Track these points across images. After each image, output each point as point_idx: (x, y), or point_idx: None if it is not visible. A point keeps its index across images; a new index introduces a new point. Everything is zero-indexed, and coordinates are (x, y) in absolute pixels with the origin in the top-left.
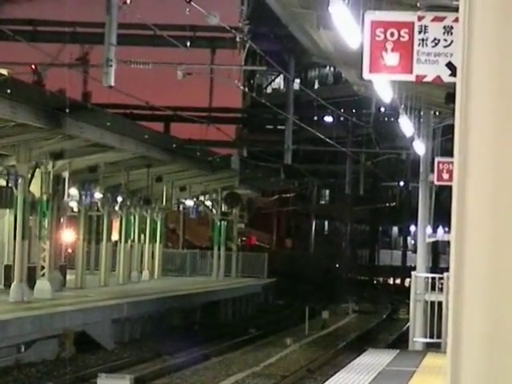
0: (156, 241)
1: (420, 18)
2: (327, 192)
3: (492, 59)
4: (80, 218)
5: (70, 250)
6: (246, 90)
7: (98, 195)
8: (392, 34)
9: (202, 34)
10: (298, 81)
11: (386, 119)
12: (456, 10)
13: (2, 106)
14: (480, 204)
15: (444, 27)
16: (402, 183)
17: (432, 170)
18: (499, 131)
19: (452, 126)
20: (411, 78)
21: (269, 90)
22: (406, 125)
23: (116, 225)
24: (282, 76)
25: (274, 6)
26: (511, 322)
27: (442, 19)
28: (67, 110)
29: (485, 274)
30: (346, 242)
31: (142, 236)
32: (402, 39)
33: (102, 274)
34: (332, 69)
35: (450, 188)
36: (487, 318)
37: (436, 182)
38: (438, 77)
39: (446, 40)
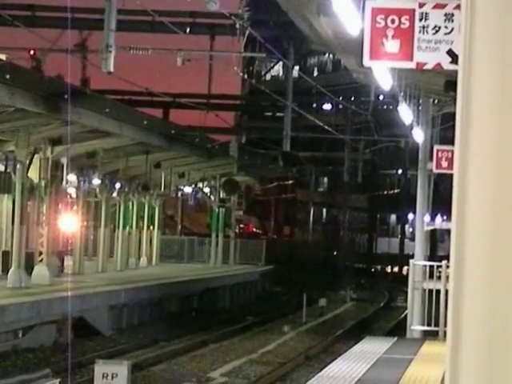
0: (154, 227)
1: (421, 5)
2: (325, 179)
3: (494, 46)
4: (78, 204)
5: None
6: (246, 76)
7: (96, 181)
8: (393, 21)
9: (202, 21)
10: (297, 68)
11: (385, 107)
12: None
13: (1, 92)
14: (481, 192)
15: (445, 14)
16: (400, 171)
17: (431, 158)
18: (501, 119)
19: (451, 114)
20: (412, 65)
21: (268, 77)
22: (405, 113)
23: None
24: (281, 63)
25: None
26: (511, 309)
27: (443, 6)
28: (66, 96)
29: (485, 262)
30: (343, 230)
31: (140, 222)
32: (402, 26)
33: (100, 260)
34: (331, 56)
35: (448, 176)
36: (487, 305)
37: (435, 170)
38: (439, 64)
39: (446, 27)
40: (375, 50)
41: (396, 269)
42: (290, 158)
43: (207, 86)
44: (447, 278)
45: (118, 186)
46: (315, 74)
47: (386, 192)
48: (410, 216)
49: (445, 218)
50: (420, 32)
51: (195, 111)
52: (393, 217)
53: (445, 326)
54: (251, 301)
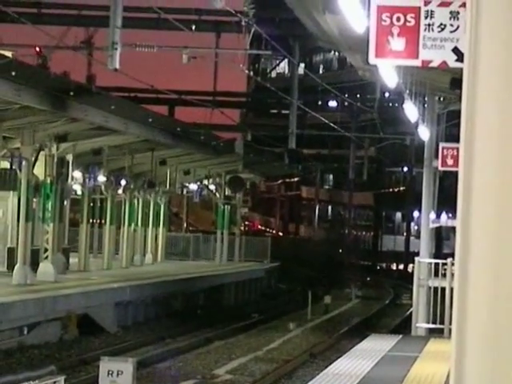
0: (159, 224)
1: (426, 3)
2: (331, 177)
3: (499, 44)
4: (83, 201)
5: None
6: (251, 74)
7: (101, 178)
8: (398, 19)
9: (207, 18)
10: (302, 65)
11: (391, 104)
12: None
13: (7, 89)
14: (486, 190)
15: (450, 12)
16: (406, 169)
17: (436, 156)
18: (506, 116)
19: (456, 112)
20: (417, 63)
21: (273, 75)
22: (410, 110)
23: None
24: (286, 60)
25: None
26: None
27: (448, 4)
28: (71, 93)
29: (490, 259)
30: (349, 227)
31: (146, 219)
32: (408, 24)
33: (106, 257)
34: (337, 54)
35: (454, 174)
36: (492, 303)
37: (440, 168)
38: (444, 62)
39: (452, 25)
40: (381, 47)
41: (401, 266)
42: (296, 156)
43: (213, 83)
44: (452, 275)
45: (123, 183)
46: (321, 71)
47: (391, 189)
48: (416, 213)
49: (450, 215)
50: (425, 30)
51: (201, 108)
52: (398, 214)
53: (450, 323)
54: (256, 298)
